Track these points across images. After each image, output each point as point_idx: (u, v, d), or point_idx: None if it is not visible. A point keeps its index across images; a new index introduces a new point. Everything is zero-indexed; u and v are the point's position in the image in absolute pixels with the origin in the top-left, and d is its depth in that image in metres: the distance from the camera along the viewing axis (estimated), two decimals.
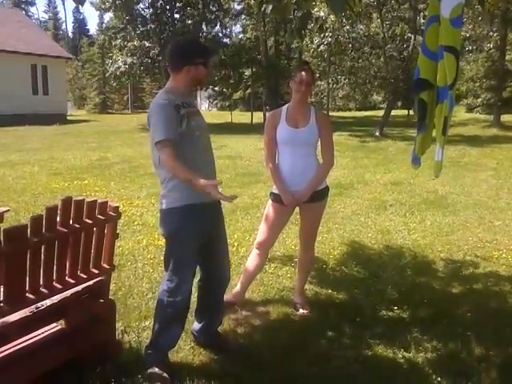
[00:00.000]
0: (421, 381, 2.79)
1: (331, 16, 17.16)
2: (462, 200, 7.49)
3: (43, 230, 2.32)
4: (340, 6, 2.34)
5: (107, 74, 31.45)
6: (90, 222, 2.57)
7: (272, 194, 3.54)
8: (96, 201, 2.63)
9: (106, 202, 2.70)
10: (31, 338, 2.49)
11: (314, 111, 3.46)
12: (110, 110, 44.10)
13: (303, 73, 3.36)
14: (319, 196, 3.48)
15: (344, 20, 18.63)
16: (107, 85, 43.76)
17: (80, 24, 78.12)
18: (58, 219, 2.40)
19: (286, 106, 3.53)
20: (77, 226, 2.49)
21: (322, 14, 16.49)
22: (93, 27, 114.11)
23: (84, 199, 2.55)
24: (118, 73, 25.06)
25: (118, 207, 2.75)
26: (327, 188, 3.55)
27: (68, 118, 26.58)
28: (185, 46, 2.84)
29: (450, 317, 3.53)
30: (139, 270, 4.37)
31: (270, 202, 3.57)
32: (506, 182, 8.94)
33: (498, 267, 4.63)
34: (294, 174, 3.40)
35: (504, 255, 4.92)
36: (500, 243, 5.34)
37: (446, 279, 4.34)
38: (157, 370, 2.67)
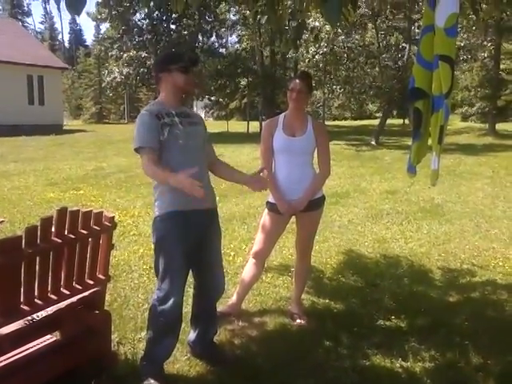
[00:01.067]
0: None
1: (326, 26, 17.29)
2: (458, 208, 7.51)
3: (38, 241, 2.30)
4: (335, 17, 2.34)
5: (103, 84, 31.51)
6: (85, 232, 2.55)
7: (268, 203, 3.53)
8: (91, 211, 2.61)
9: (102, 213, 2.68)
10: (26, 350, 2.46)
11: (310, 120, 3.47)
12: (106, 120, 44.20)
13: (297, 80, 3.38)
14: (315, 205, 3.47)
15: (339, 30, 18.76)
16: (103, 95, 43.89)
17: (76, 34, 78.40)
18: (53, 230, 2.39)
19: (283, 114, 3.53)
20: (72, 236, 2.48)
21: (317, 24, 16.62)
22: (89, 38, 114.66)
23: (79, 210, 2.54)
24: (114, 83, 25.20)
25: (113, 217, 2.74)
26: (323, 197, 3.55)
27: (64, 128, 26.53)
28: (160, 57, 2.93)
29: (448, 326, 3.51)
30: (135, 280, 4.35)
31: (266, 211, 3.56)
32: (502, 191, 8.97)
33: (494, 275, 4.62)
34: (291, 183, 3.40)
35: (501, 263, 4.92)
36: (497, 251, 5.34)
37: (443, 288, 4.33)
38: (152, 381, 2.64)
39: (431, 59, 2.72)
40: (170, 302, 2.70)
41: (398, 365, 3.00)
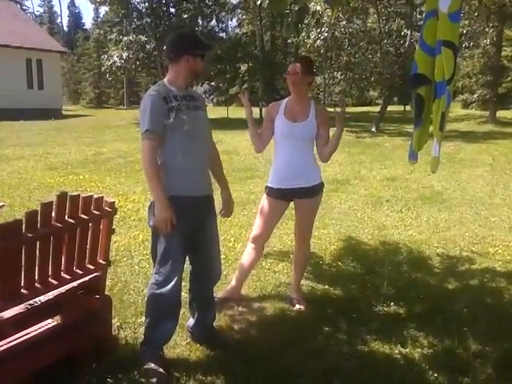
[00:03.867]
0: (417, 377, 2.79)
1: (328, 10, 17.12)
2: (457, 196, 7.51)
3: (38, 226, 2.30)
4: None
5: (103, 69, 31.13)
6: (85, 217, 2.55)
7: (267, 187, 3.53)
8: (91, 196, 2.61)
9: (102, 198, 2.68)
10: (26, 335, 2.47)
11: (313, 106, 3.45)
12: (106, 105, 43.95)
13: (295, 64, 3.37)
14: (313, 192, 3.47)
15: (340, 15, 18.58)
16: (103, 79, 43.50)
17: (75, 18, 77.60)
18: (53, 214, 2.39)
19: (287, 99, 3.52)
20: (72, 221, 2.47)
21: (318, 8, 16.45)
22: (88, 21, 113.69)
23: (79, 194, 2.54)
24: (113, 67, 24.90)
25: (113, 202, 2.74)
26: (322, 184, 3.54)
27: (63, 112, 26.44)
28: (187, 36, 2.88)
29: (446, 312, 3.53)
30: (135, 265, 4.36)
31: (264, 195, 3.56)
32: (502, 178, 8.96)
33: (493, 263, 4.64)
34: (291, 168, 3.39)
35: (500, 251, 4.93)
36: (496, 239, 5.35)
37: (442, 275, 4.34)
38: (153, 365, 2.66)
39: (434, 44, 2.70)
40: (170, 285, 2.71)
41: (396, 351, 3.02)
